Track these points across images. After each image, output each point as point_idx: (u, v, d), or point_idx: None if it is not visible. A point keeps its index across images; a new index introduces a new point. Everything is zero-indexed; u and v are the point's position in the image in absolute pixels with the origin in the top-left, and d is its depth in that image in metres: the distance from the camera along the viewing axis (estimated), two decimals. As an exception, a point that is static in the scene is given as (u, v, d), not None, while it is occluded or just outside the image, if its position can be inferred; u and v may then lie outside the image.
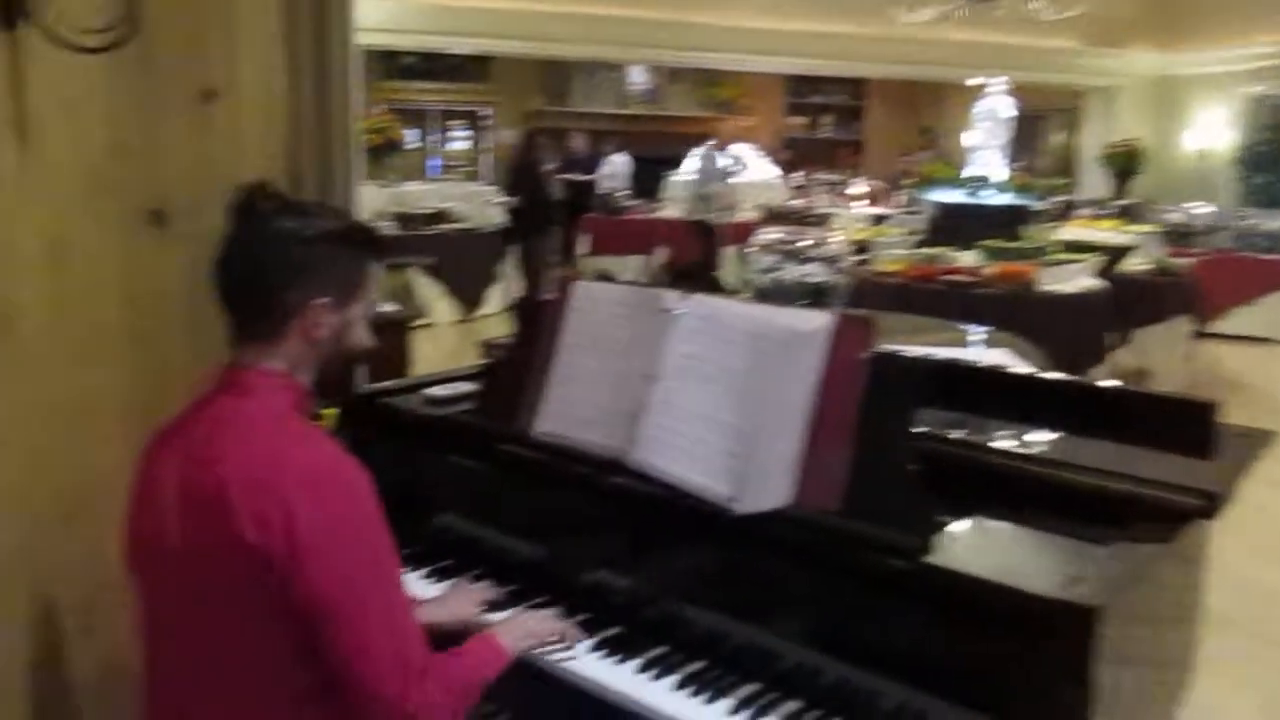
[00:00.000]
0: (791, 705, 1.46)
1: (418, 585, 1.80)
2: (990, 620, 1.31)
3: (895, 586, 1.40)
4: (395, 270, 4.32)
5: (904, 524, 1.43)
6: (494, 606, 1.72)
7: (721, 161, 9.36)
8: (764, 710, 1.45)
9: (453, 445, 1.93)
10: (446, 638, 1.51)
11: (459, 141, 12.77)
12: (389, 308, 3.49)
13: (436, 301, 8.21)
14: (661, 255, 9.62)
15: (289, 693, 1.28)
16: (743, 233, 6.16)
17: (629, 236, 9.42)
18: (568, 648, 1.57)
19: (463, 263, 7.92)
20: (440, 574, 1.84)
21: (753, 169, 10.34)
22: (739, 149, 10.23)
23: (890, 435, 1.50)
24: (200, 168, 2.19)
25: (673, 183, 10.15)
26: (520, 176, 8.83)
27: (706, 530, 1.57)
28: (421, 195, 8.47)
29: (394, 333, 3.31)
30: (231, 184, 1.52)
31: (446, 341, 7.81)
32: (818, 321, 1.55)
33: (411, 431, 2.00)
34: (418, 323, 7.90)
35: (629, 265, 10.31)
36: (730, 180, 9.27)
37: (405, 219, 7.90)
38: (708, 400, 1.61)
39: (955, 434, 1.73)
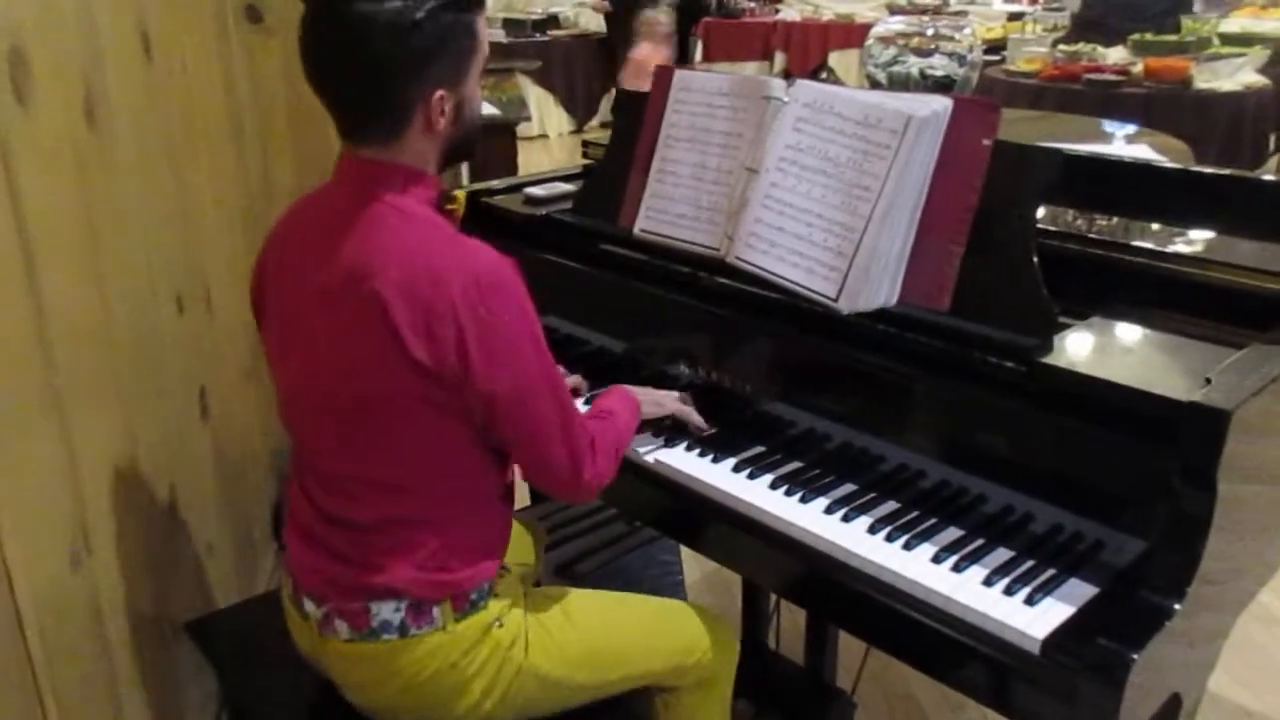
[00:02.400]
0: (888, 506, 1.43)
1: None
2: (1108, 423, 1.23)
3: (1008, 389, 1.33)
4: (501, 76, 4.21)
5: (1021, 325, 1.35)
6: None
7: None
8: (860, 509, 1.42)
9: (551, 245, 1.89)
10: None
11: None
12: (494, 111, 3.41)
13: (550, 112, 8.09)
14: (780, 60, 9.19)
15: (434, 472, 1.31)
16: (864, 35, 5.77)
17: (746, 41, 8.99)
18: (686, 433, 1.60)
19: (573, 71, 7.71)
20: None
21: (883, -36, 9.63)
22: (868, -58, 9.50)
23: (1010, 230, 1.39)
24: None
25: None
26: None
27: (810, 331, 1.52)
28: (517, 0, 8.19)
29: (501, 137, 3.25)
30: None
31: (560, 154, 7.73)
32: (934, 106, 1.42)
33: (510, 231, 1.97)
34: (531, 134, 7.84)
35: (746, 71, 9.91)
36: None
37: (513, 24, 7.68)
38: (812, 194, 1.51)
39: (1083, 229, 1.60)
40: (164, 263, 1.60)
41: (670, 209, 1.74)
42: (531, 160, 5.34)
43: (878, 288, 1.45)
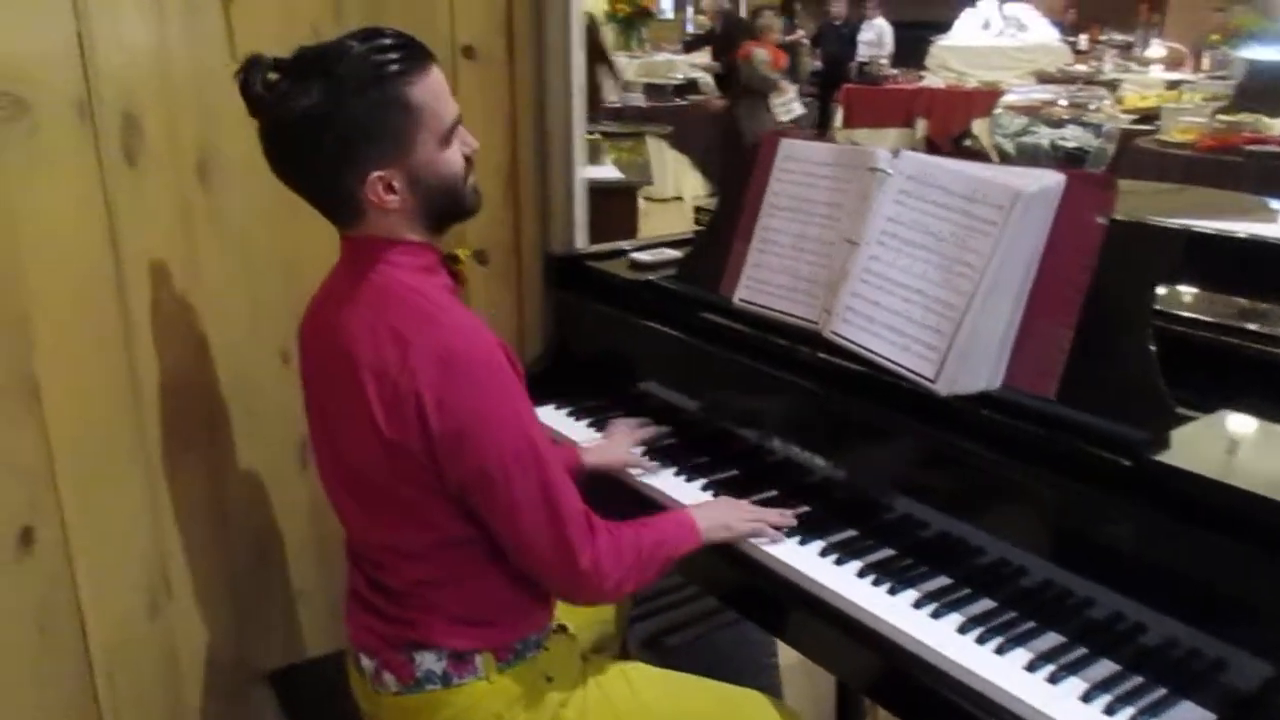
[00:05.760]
0: (982, 604, 1.34)
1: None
2: (1230, 530, 1.12)
3: (1117, 485, 1.23)
4: (627, 140, 4.28)
5: (1134, 416, 1.25)
6: (653, 449, 1.74)
7: (994, 23, 8.58)
8: (951, 606, 1.33)
9: (652, 311, 1.88)
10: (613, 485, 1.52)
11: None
12: (612, 174, 3.45)
13: (685, 175, 8.15)
14: (922, 128, 9.06)
15: (439, 539, 1.29)
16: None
17: (888, 107, 8.90)
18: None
19: (709, 134, 7.78)
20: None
21: (1031, 30, 9.43)
22: (1015, 9, 9.34)
23: (1125, 314, 1.30)
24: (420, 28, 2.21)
25: (939, 49, 9.45)
26: (725, 41, 8.34)
27: (907, 412, 1.44)
28: (672, 65, 8.33)
29: (621, 199, 3.27)
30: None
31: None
32: (1044, 181, 1.35)
33: (611, 296, 1.97)
34: (665, 196, 7.92)
35: (887, 138, 9.79)
36: (1002, 44, 8.50)
37: (654, 89, 7.83)
38: (913, 269, 1.45)
39: (1213, 313, 1.48)
40: (270, 316, 1.65)
41: (770, 279, 1.70)
42: (665, 223, 5.38)
43: (978, 370, 1.37)
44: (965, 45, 9.46)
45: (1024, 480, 1.32)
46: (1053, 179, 1.35)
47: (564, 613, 1.52)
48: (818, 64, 9.59)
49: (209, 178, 1.45)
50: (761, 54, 6.63)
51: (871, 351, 1.48)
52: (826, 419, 1.57)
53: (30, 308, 1.10)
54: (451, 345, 1.19)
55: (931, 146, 7.35)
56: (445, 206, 1.29)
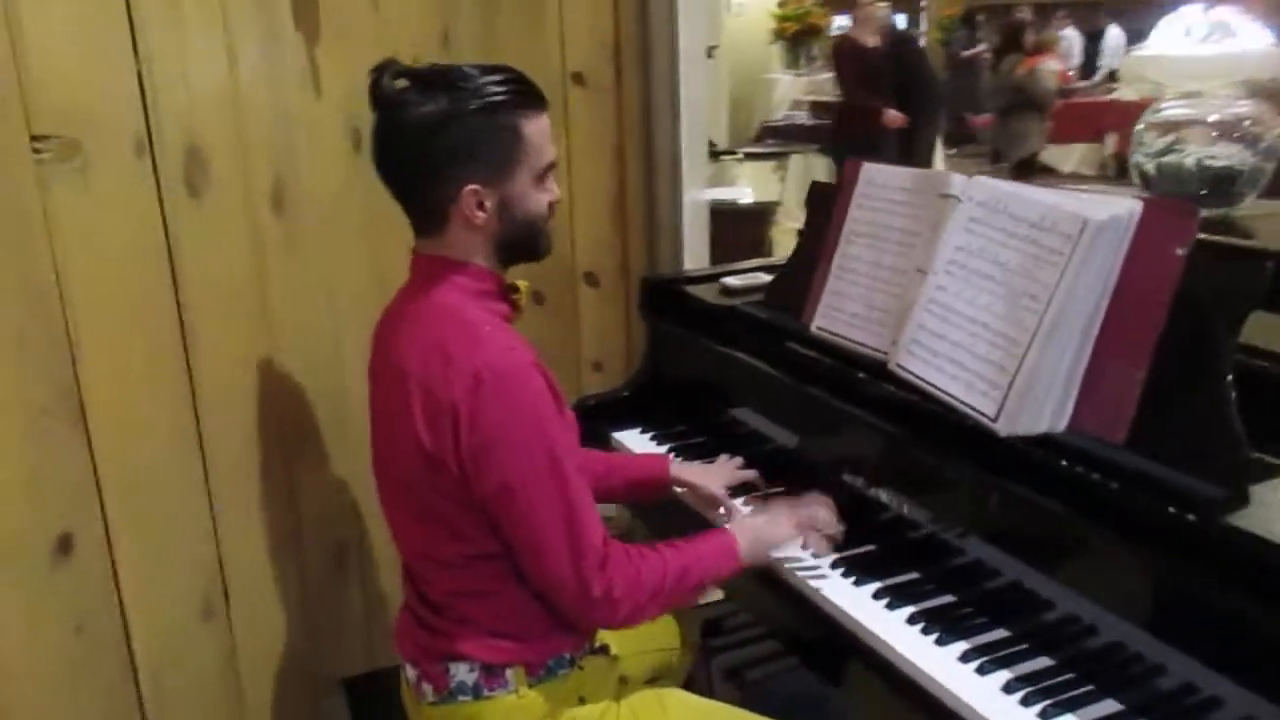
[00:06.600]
0: (1038, 662, 1.24)
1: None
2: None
3: (1185, 545, 1.12)
4: (767, 160, 4.24)
5: (1207, 470, 1.13)
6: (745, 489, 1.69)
7: (1196, 29, 7.99)
8: (1000, 662, 1.25)
9: (730, 337, 1.85)
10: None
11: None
12: (738, 196, 3.42)
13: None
14: (1110, 143, 8.52)
15: (471, 552, 1.31)
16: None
17: (1076, 122, 8.44)
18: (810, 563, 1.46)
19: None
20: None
21: (1240, 36, 8.72)
22: (1222, 12, 8.67)
23: (1205, 355, 1.18)
24: (532, 55, 2.28)
25: (1132, 59, 8.87)
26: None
27: (966, 450, 1.36)
28: (826, 84, 8.18)
29: (751, 224, 3.24)
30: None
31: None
32: (1117, 209, 1.25)
33: (696, 320, 1.95)
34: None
35: (1072, 154, 9.27)
36: (1205, 52, 7.90)
37: (819, 107, 7.72)
38: (978, 301, 1.38)
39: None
40: (356, 332, 1.73)
41: (846, 308, 1.65)
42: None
43: (1040, 410, 1.28)
44: (1164, 55, 8.84)
45: (1087, 530, 1.22)
46: (1127, 206, 1.25)
47: (612, 635, 1.52)
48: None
49: (283, 207, 1.54)
50: (1050, 66, 6.37)
51: (934, 386, 1.41)
52: (889, 455, 1.51)
53: (78, 328, 1.20)
54: (490, 363, 1.23)
55: (1121, 163, 6.90)
56: (522, 240, 1.34)
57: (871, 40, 5.70)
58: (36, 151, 1.13)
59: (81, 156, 1.17)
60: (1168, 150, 2.36)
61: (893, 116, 5.48)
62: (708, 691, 1.97)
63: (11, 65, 1.10)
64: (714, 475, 1.69)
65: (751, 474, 1.70)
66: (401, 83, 1.27)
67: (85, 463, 1.22)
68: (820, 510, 1.49)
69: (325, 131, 1.65)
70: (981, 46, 8.81)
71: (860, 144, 4.95)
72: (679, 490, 1.70)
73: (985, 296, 1.37)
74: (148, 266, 1.29)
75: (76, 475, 1.22)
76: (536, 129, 1.30)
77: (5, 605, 1.16)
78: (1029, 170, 7.35)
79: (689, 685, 1.91)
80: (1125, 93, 8.66)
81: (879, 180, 1.64)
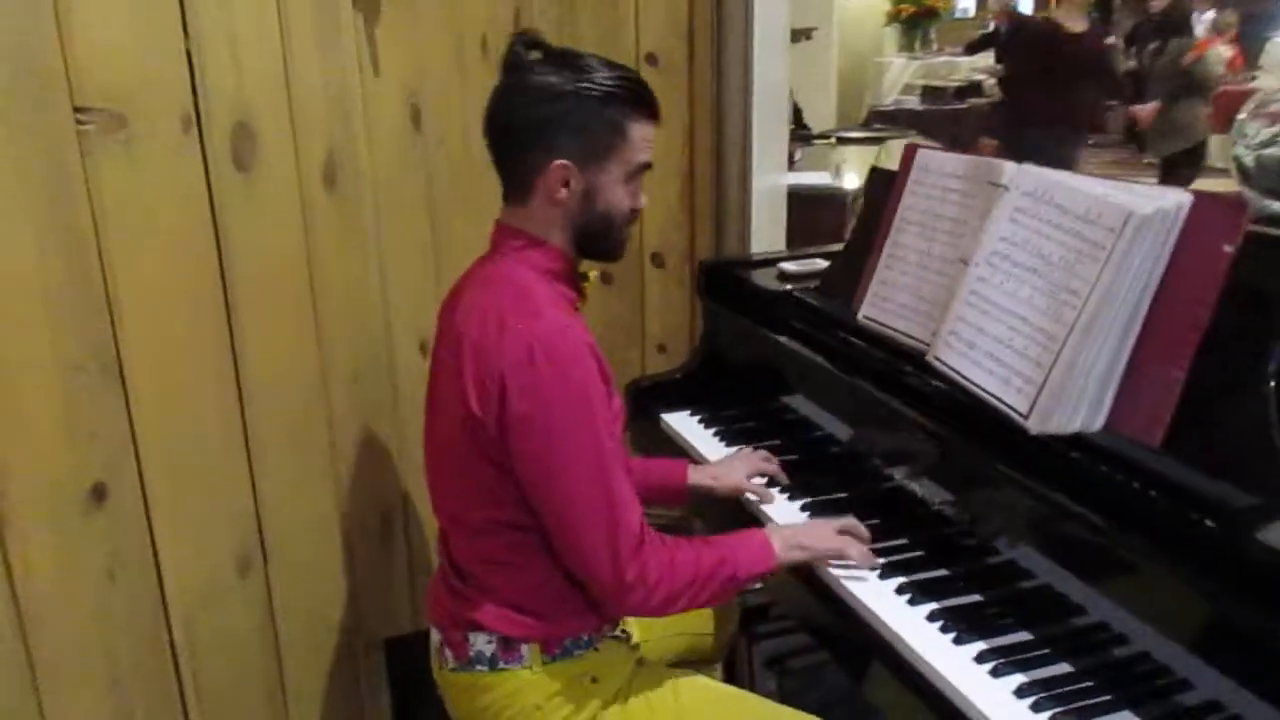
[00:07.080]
0: (1058, 668, 1.20)
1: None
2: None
3: (1216, 555, 1.06)
4: (868, 145, 4.15)
5: (1243, 479, 1.08)
6: (772, 482, 1.68)
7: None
8: (1017, 665, 1.21)
9: (781, 323, 1.83)
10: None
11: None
12: (817, 181, 3.36)
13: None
14: (1246, 134, 8.04)
15: (501, 520, 1.34)
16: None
17: (1217, 112, 7.98)
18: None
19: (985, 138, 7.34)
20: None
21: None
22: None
23: (1249, 357, 1.12)
24: (607, 35, 2.30)
25: (1275, 45, 8.37)
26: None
27: (999, 448, 1.32)
28: (953, 67, 7.95)
29: (828, 209, 3.19)
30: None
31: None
32: (1163, 202, 1.19)
33: (749, 305, 1.94)
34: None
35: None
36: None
37: (931, 93, 7.51)
38: (1019, 294, 1.33)
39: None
40: (410, 309, 1.78)
41: (894, 297, 1.62)
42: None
43: (1074, 409, 1.24)
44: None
45: (1110, 536, 1.17)
46: (1175, 199, 1.19)
47: (636, 620, 1.53)
48: (1131, 63, 8.77)
49: (336, 184, 1.59)
50: (1220, 52, 5.97)
51: (969, 380, 1.37)
52: (925, 449, 1.47)
53: (117, 291, 1.26)
54: (543, 337, 1.25)
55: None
56: (598, 232, 1.36)
57: (1079, 26, 5.18)
58: (80, 122, 1.19)
59: (126, 131, 1.23)
60: (1271, 142, 2.23)
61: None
62: (747, 678, 1.97)
63: (55, 38, 1.15)
64: (735, 467, 1.68)
65: (774, 468, 1.69)
66: (535, 54, 1.32)
67: (123, 419, 1.29)
68: (859, 524, 1.47)
69: (384, 110, 1.69)
70: (1111, 38, 8.37)
71: (1044, 137, 4.73)
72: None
73: (1026, 290, 1.32)
74: (193, 237, 1.35)
75: (114, 430, 1.28)
76: (640, 133, 1.33)
77: (39, 548, 1.23)
78: (1187, 166, 6.75)
79: (728, 671, 1.91)
80: (1266, 81, 8.17)
81: (932, 166, 1.59)
